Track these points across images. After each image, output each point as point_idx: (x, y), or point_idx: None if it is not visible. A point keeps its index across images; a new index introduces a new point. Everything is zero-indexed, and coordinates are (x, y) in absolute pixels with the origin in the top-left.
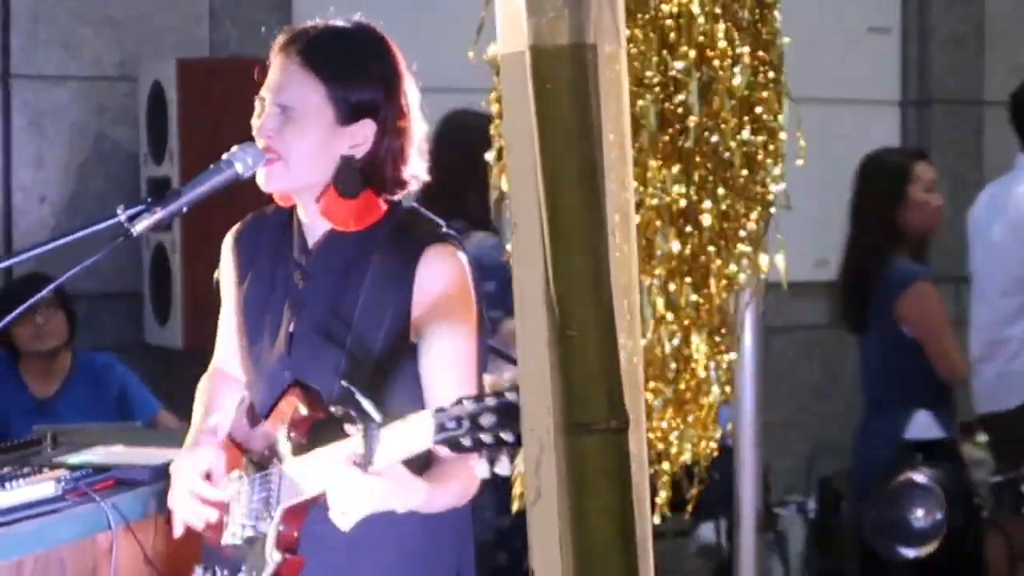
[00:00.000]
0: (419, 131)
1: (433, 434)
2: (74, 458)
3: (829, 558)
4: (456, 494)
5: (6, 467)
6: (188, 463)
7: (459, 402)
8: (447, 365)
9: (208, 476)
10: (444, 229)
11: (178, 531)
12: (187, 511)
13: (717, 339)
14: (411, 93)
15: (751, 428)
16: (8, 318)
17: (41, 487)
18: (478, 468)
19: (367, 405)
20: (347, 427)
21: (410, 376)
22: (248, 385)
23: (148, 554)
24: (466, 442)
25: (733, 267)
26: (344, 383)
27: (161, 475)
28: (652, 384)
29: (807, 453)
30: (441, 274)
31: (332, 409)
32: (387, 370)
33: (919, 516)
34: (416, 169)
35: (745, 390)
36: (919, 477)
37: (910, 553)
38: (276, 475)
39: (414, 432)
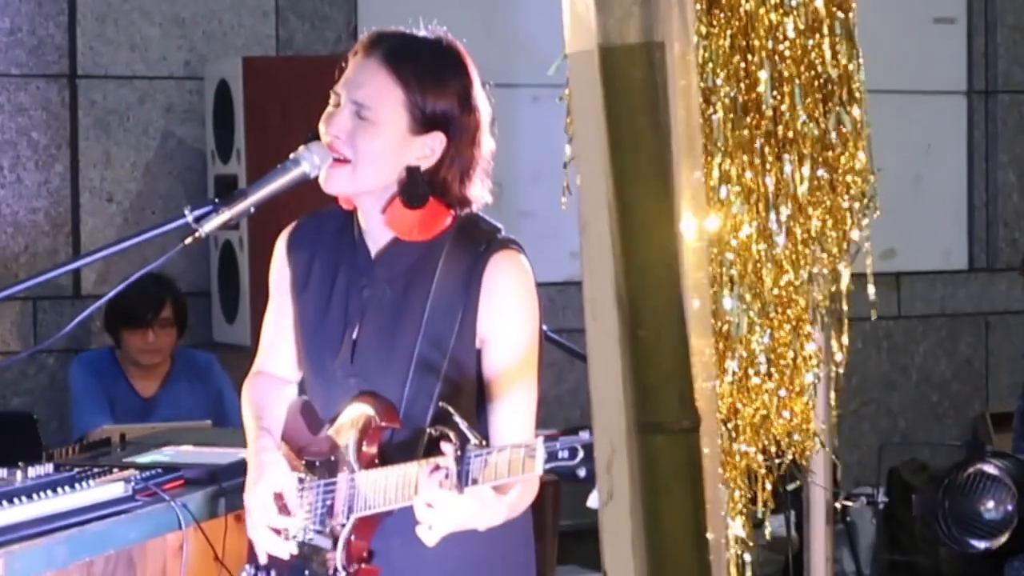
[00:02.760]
0: (487, 150)
1: (542, 462)
2: (144, 458)
3: (899, 550)
4: (528, 498)
5: (76, 468)
6: (261, 491)
7: (575, 431)
8: (512, 371)
9: (279, 497)
10: (504, 234)
11: (263, 560)
12: (269, 545)
13: (800, 333)
14: (484, 112)
15: (821, 420)
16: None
17: (111, 487)
18: (591, 499)
19: (464, 427)
20: (443, 446)
21: (473, 379)
22: (308, 389)
23: (218, 553)
24: (581, 473)
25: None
26: (443, 404)
27: (230, 474)
28: (751, 383)
29: (876, 445)
30: (507, 280)
31: (429, 430)
32: (453, 376)
33: (990, 507)
34: (479, 191)
35: (820, 382)
36: (990, 468)
37: (980, 545)
38: (345, 484)
39: (523, 459)
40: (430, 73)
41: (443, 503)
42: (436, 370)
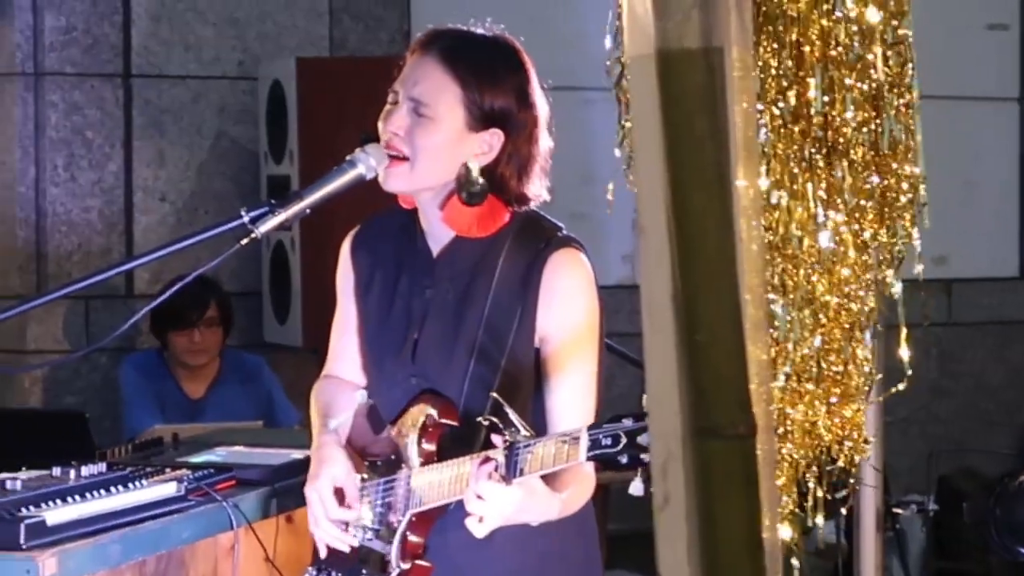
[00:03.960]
0: (544, 147)
1: (586, 450)
2: (196, 458)
3: (949, 558)
4: (584, 496)
5: (129, 467)
6: (323, 486)
7: (618, 419)
8: (571, 371)
9: (340, 492)
10: (565, 232)
11: (324, 552)
12: (330, 538)
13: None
14: (541, 109)
15: (872, 427)
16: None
17: (164, 487)
18: (633, 486)
19: (515, 419)
20: (494, 438)
21: (531, 376)
22: (371, 391)
23: (269, 554)
24: (622, 459)
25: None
26: (494, 395)
27: (282, 475)
28: (803, 387)
29: (926, 452)
30: (567, 279)
31: (480, 420)
32: (513, 373)
33: None
34: (537, 188)
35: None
36: None
37: None
38: (403, 481)
39: (567, 447)
40: (487, 69)
41: (492, 495)
42: (495, 366)
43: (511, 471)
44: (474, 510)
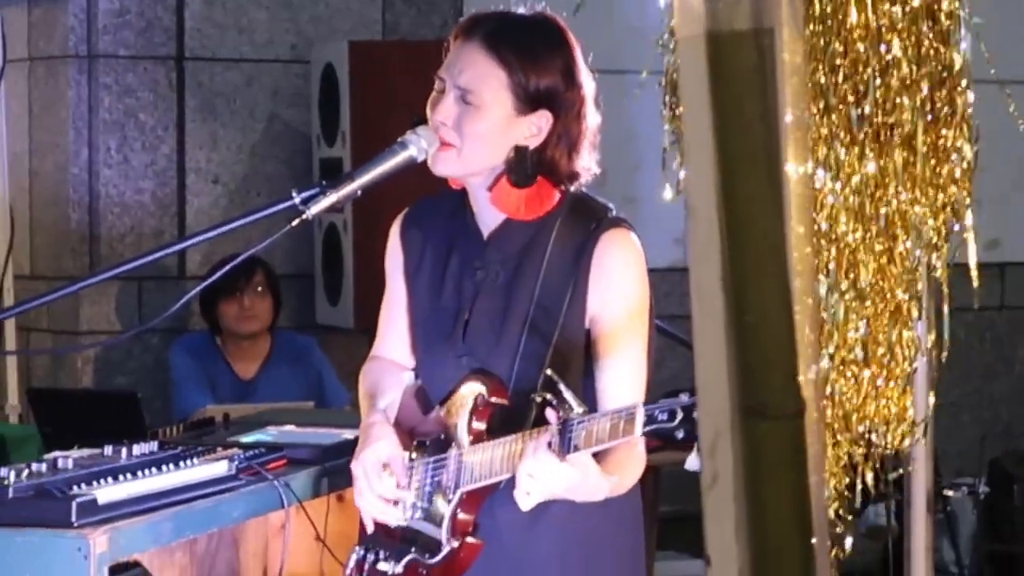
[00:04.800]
0: (593, 123)
1: (641, 425)
2: (247, 437)
3: (1000, 540)
4: (633, 476)
5: (180, 446)
6: (368, 460)
7: (675, 394)
8: (623, 350)
9: (386, 467)
10: (615, 213)
11: (371, 528)
12: (377, 512)
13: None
14: (588, 85)
15: (920, 410)
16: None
17: (214, 466)
18: (689, 461)
19: (569, 395)
20: (548, 414)
21: (582, 356)
22: (420, 371)
23: (319, 533)
24: (679, 434)
25: (919, 251)
26: (548, 372)
27: (332, 455)
28: (848, 371)
29: (977, 435)
30: (618, 258)
31: (533, 396)
32: (564, 352)
33: None
34: (587, 162)
35: (918, 372)
36: None
37: None
38: (453, 460)
39: (623, 423)
40: (531, 52)
41: (543, 469)
42: (546, 344)
43: (565, 447)
44: (523, 484)
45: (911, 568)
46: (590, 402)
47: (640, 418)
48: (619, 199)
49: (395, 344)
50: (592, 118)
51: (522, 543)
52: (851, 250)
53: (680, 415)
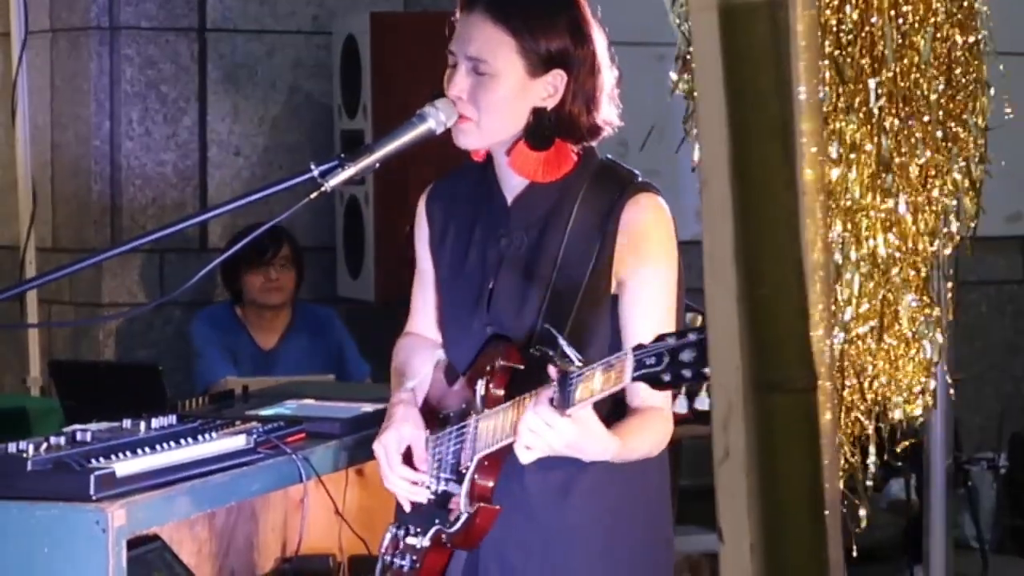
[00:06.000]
0: (609, 78)
1: (631, 371)
2: (266, 411)
3: (1020, 515)
4: (649, 444)
5: (199, 420)
6: (389, 442)
7: (660, 338)
8: (648, 309)
9: (408, 452)
10: (642, 178)
11: (407, 508)
12: (405, 493)
13: (922, 297)
14: (600, 41)
15: (943, 384)
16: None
17: (233, 440)
18: (678, 404)
19: (567, 348)
20: (549, 368)
21: (607, 322)
22: (447, 344)
23: (338, 507)
24: (666, 377)
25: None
26: (547, 326)
27: (352, 428)
28: (862, 344)
29: (998, 409)
30: (646, 220)
31: (532, 351)
32: (586, 317)
33: None
34: (608, 114)
35: (932, 344)
36: None
37: None
38: (472, 427)
39: (613, 370)
40: (537, 13)
41: (542, 424)
42: (567, 310)
43: (566, 400)
44: (524, 440)
45: (930, 542)
46: None
47: (629, 364)
48: (640, 171)
49: (425, 318)
50: (606, 70)
51: (549, 511)
52: (868, 223)
53: (667, 358)
